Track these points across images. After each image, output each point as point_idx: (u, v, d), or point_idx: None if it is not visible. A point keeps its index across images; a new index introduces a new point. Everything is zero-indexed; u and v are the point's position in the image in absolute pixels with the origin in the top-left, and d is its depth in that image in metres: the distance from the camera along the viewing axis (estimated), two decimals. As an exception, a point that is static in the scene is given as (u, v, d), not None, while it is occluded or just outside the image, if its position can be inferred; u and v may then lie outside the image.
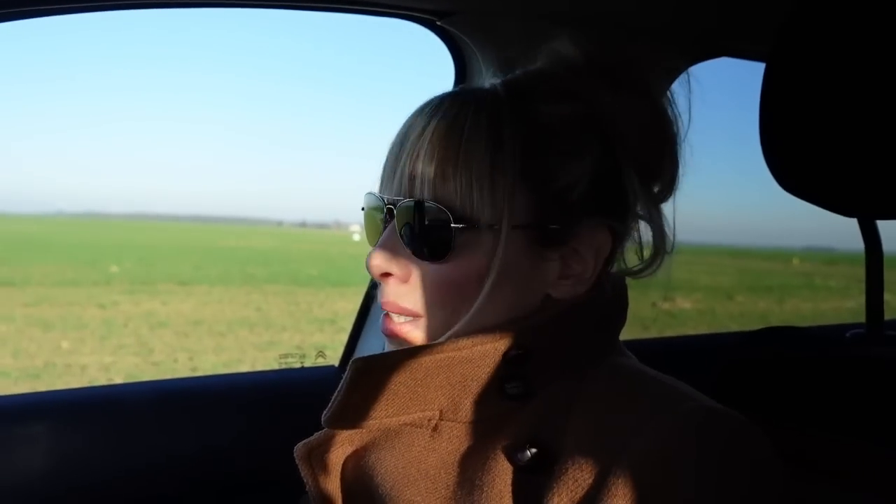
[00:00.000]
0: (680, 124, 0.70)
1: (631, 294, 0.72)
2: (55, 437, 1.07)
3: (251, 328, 9.09)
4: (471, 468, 0.61)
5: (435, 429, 0.65)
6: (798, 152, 0.82)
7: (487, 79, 0.72)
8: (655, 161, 0.68)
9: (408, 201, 0.63)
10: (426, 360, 0.62)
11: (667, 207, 0.71)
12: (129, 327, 8.81)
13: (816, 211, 0.84)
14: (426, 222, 0.62)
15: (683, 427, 0.55)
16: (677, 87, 0.71)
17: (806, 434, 0.77)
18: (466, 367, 0.62)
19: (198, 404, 1.18)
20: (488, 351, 0.62)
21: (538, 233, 0.64)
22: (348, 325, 1.42)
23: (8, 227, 36.22)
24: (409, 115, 0.67)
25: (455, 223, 0.61)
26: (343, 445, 0.69)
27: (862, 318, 0.88)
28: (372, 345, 1.35)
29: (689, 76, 0.72)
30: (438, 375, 0.62)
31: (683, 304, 11.47)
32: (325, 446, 0.69)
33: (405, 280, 0.65)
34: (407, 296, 0.65)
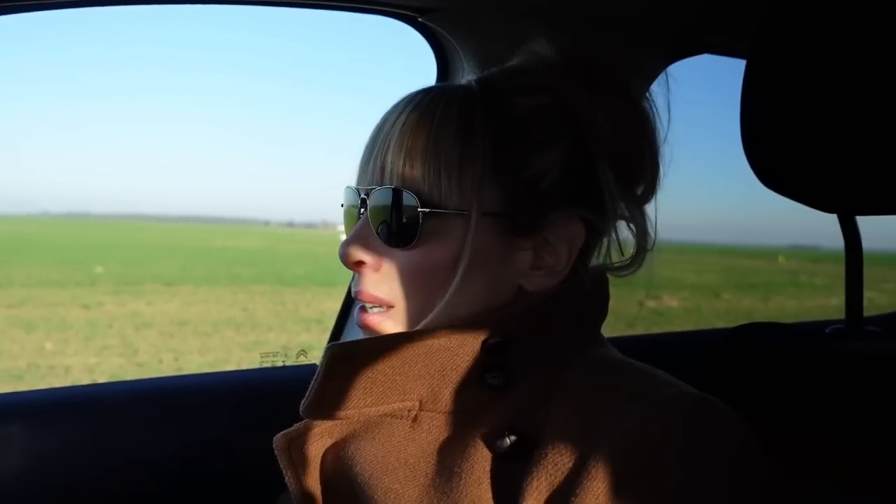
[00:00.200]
0: (660, 124, 0.70)
1: (617, 292, 0.72)
2: (31, 437, 1.05)
3: (237, 328, 9.05)
4: (450, 456, 0.62)
5: (415, 419, 0.65)
6: (778, 148, 0.83)
7: (467, 76, 0.72)
8: (635, 160, 0.69)
9: (377, 189, 0.65)
10: (403, 348, 0.63)
11: (649, 205, 0.71)
12: (114, 328, 8.75)
13: (802, 209, 0.84)
14: (394, 208, 0.64)
15: (666, 413, 0.56)
16: (657, 88, 0.72)
17: (787, 428, 0.78)
18: (445, 355, 0.63)
19: (177, 403, 1.17)
20: (466, 339, 0.63)
21: (509, 221, 0.64)
22: (334, 324, 1.41)
23: (-9, 228, 35.91)
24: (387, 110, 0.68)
25: (422, 207, 0.62)
26: (322, 438, 0.69)
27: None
28: (354, 341, 1.33)
29: (667, 76, 0.74)
30: (417, 364, 0.63)
31: (670, 302, 11.55)
32: (304, 437, 0.69)
33: (377, 268, 0.66)
34: (380, 284, 0.66)
